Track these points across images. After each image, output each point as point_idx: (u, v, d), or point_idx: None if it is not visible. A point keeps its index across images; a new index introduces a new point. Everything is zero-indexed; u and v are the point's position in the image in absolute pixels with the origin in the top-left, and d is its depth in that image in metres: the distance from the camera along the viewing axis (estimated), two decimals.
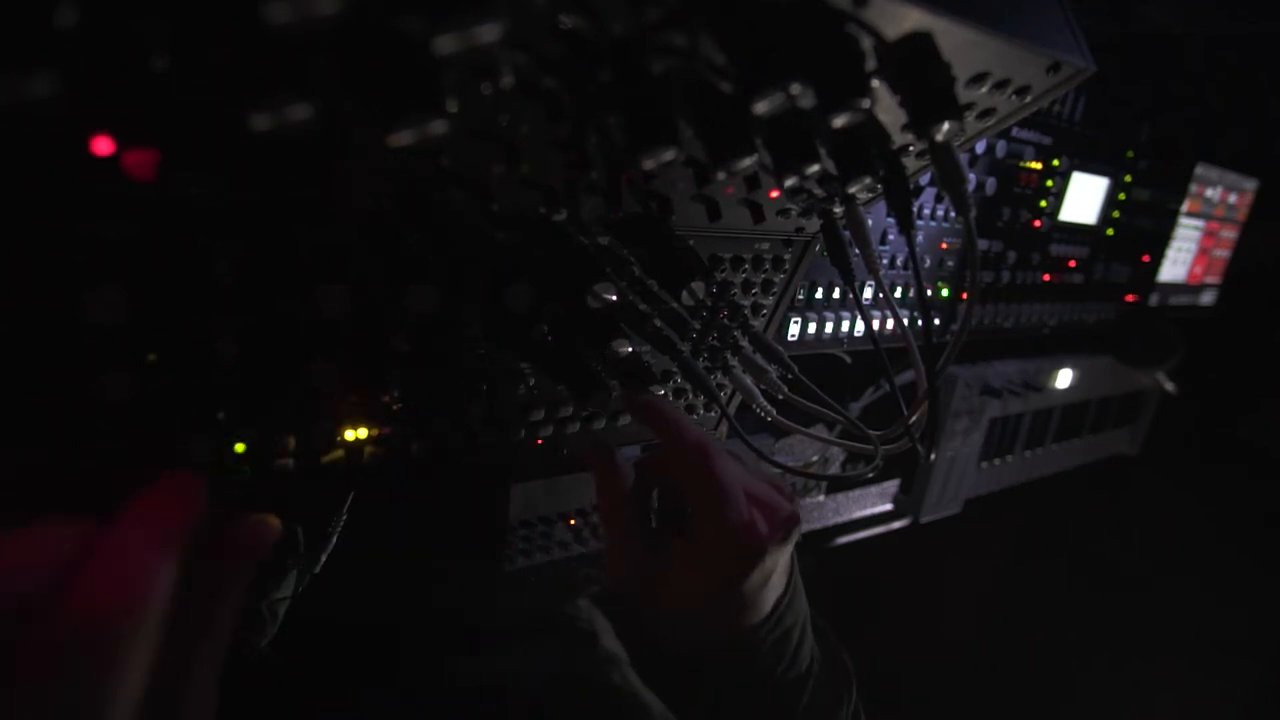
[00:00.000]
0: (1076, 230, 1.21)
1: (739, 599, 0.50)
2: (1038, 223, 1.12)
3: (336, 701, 0.57)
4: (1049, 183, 1.10)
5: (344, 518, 0.56)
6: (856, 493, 1.12)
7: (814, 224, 0.61)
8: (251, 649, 0.51)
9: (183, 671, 0.28)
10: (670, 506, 0.55)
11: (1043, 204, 1.11)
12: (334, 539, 0.55)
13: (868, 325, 0.62)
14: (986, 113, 0.48)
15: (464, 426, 0.52)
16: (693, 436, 0.50)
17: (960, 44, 0.38)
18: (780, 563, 0.51)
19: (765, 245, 0.63)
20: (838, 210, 0.57)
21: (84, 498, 0.34)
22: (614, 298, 0.47)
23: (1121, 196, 1.28)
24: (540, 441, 0.59)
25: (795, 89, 0.33)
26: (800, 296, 0.78)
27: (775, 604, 0.52)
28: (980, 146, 0.96)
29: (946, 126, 0.38)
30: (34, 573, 0.25)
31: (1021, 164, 1.04)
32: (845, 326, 0.83)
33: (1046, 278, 1.19)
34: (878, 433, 0.62)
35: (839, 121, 0.36)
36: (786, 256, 0.65)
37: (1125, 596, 1.87)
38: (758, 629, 0.51)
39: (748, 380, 0.62)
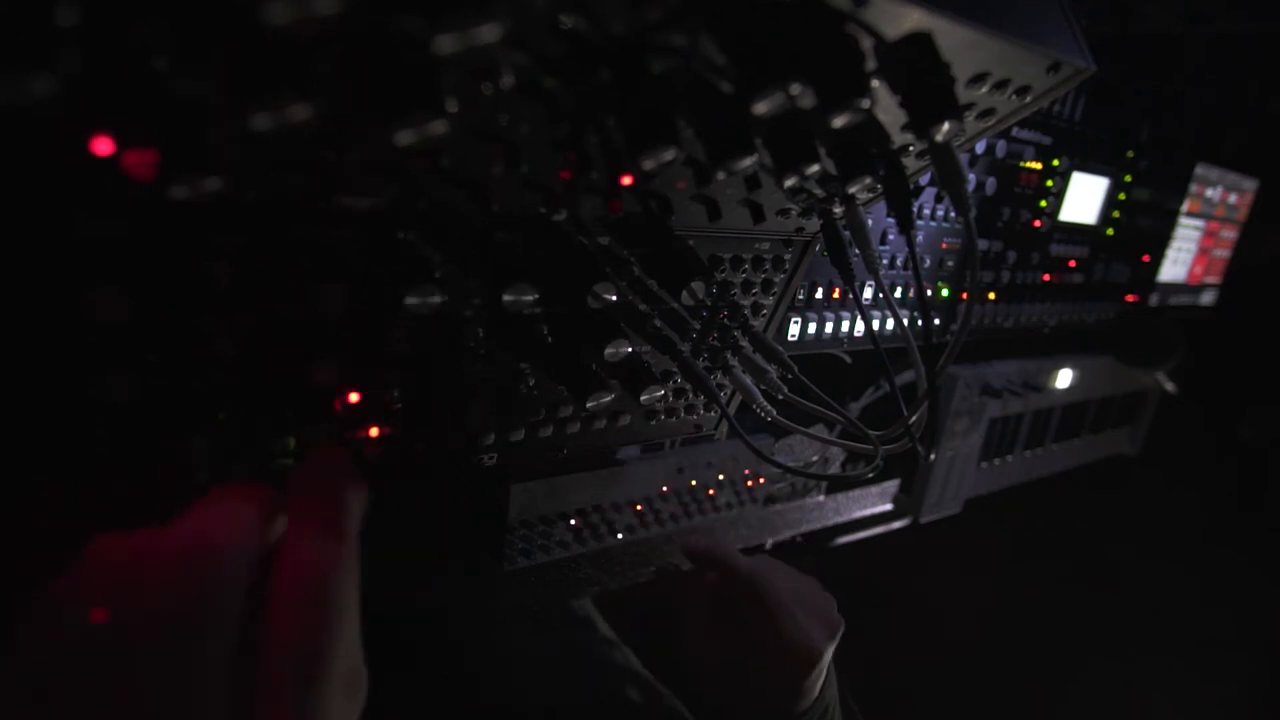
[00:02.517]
0: (1076, 230, 1.21)
1: (797, 692, 0.59)
2: (1038, 223, 1.12)
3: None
4: (1049, 183, 1.10)
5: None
6: (856, 493, 1.12)
7: (814, 224, 0.61)
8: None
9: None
10: (731, 614, 0.64)
11: (1043, 204, 1.11)
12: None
13: (868, 325, 0.62)
14: (986, 113, 0.48)
15: (464, 426, 0.52)
16: (750, 568, 0.61)
17: (960, 44, 0.38)
18: (828, 659, 0.61)
19: (765, 245, 0.63)
20: (838, 210, 0.57)
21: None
22: (614, 298, 0.47)
23: (1121, 196, 1.28)
24: (540, 441, 0.59)
25: (795, 89, 0.33)
26: (800, 296, 0.78)
27: (821, 689, 0.61)
28: (980, 146, 0.96)
29: (946, 126, 0.38)
30: (262, 527, 0.29)
31: (1021, 164, 1.04)
32: (845, 326, 0.83)
33: (1046, 278, 1.19)
34: (878, 433, 0.62)
35: (839, 121, 0.36)
36: (786, 256, 0.65)
37: (1124, 596, 1.87)
38: (808, 711, 0.60)
39: (748, 380, 0.62)
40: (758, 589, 0.59)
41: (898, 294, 0.90)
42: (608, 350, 0.50)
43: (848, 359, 0.97)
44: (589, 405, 0.51)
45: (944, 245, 0.95)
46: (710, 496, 0.88)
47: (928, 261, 0.95)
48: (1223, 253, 1.64)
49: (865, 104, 0.35)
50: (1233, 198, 1.57)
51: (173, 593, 0.26)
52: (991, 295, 1.09)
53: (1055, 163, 1.10)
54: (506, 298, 0.45)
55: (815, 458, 1.01)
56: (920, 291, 0.48)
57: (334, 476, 0.32)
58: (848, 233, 0.61)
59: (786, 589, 0.61)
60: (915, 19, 0.35)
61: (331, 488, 0.31)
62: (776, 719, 0.60)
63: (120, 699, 0.24)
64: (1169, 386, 1.60)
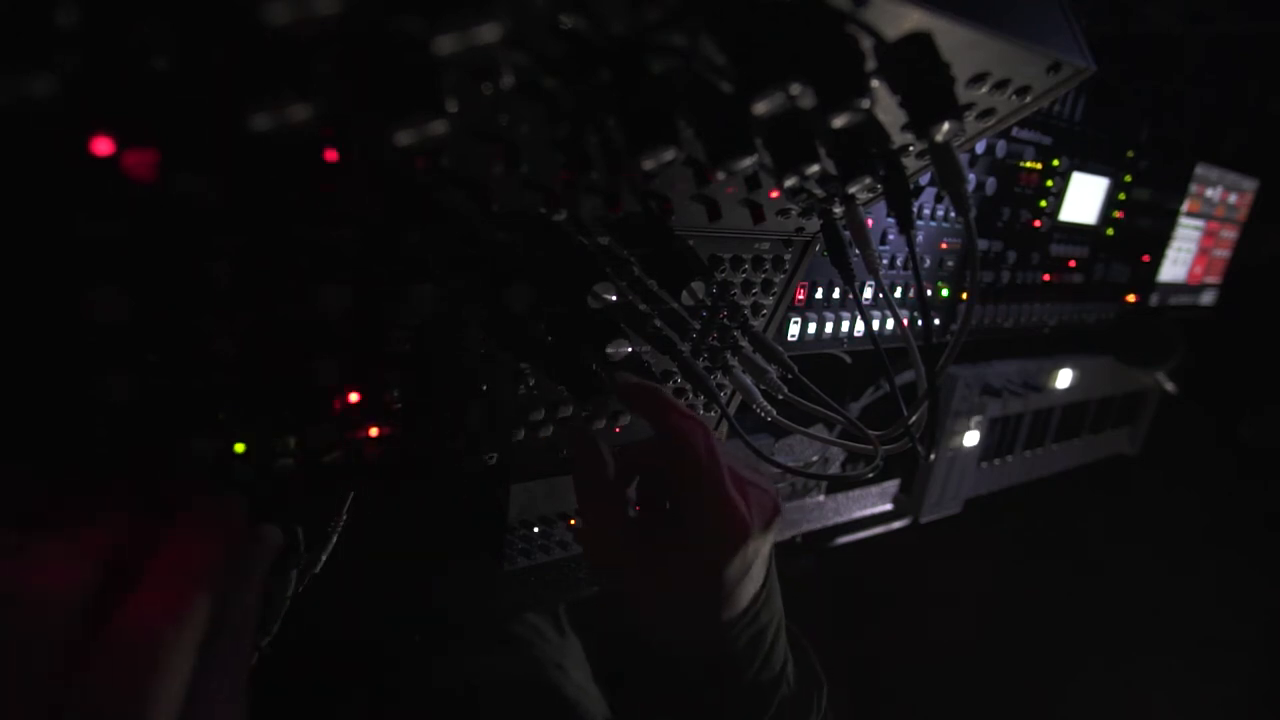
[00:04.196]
0: (1076, 230, 1.21)
1: (718, 585, 0.49)
2: (1038, 223, 1.12)
3: (336, 700, 0.57)
4: (1049, 183, 1.10)
5: (344, 518, 0.56)
6: (856, 493, 1.12)
7: (814, 224, 0.61)
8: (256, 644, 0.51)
9: (216, 670, 0.30)
10: (652, 493, 0.54)
11: (1043, 204, 1.11)
12: (334, 539, 0.55)
13: (868, 325, 0.63)
14: (986, 113, 0.48)
15: (464, 426, 0.52)
16: (679, 420, 0.50)
17: (960, 44, 0.38)
18: (761, 552, 0.51)
19: (765, 245, 0.63)
20: (838, 210, 0.57)
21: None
22: (614, 298, 0.47)
23: (1121, 196, 1.28)
24: (540, 441, 0.59)
25: (795, 89, 0.33)
26: (800, 296, 0.78)
27: (752, 599, 0.52)
28: (980, 146, 0.96)
29: (946, 126, 0.38)
30: (91, 574, 0.27)
31: (1021, 164, 1.04)
32: (845, 326, 0.83)
33: (1046, 278, 1.19)
34: (878, 433, 0.62)
35: (839, 121, 0.36)
36: (786, 256, 0.65)
37: (1124, 596, 1.87)
38: (733, 624, 0.51)
39: (748, 380, 0.62)
40: (686, 445, 0.48)
41: (898, 294, 0.90)
42: (608, 350, 0.50)
43: (848, 359, 0.97)
44: (589, 405, 0.51)
45: (944, 245, 0.95)
46: None
47: (928, 261, 0.95)
48: (1223, 253, 1.64)
49: (865, 104, 0.35)
50: (1233, 198, 1.57)
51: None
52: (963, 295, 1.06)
53: (1055, 163, 1.10)
54: (506, 298, 0.45)
55: (815, 458, 1.01)
56: (920, 291, 0.48)
57: (209, 528, 0.30)
58: (848, 233, 0.61)
59: (717, 455, 0.49)
60: (915, 19, 0.35)
61: (200, 543, 0.30)
62: (695, 618, 0.51)
63: None
64: (1169, 386, 1.60)
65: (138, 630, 0.27)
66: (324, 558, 0.55)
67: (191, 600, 0.28)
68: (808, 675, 0.59)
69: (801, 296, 0.78)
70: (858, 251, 0.60)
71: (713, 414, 0.71)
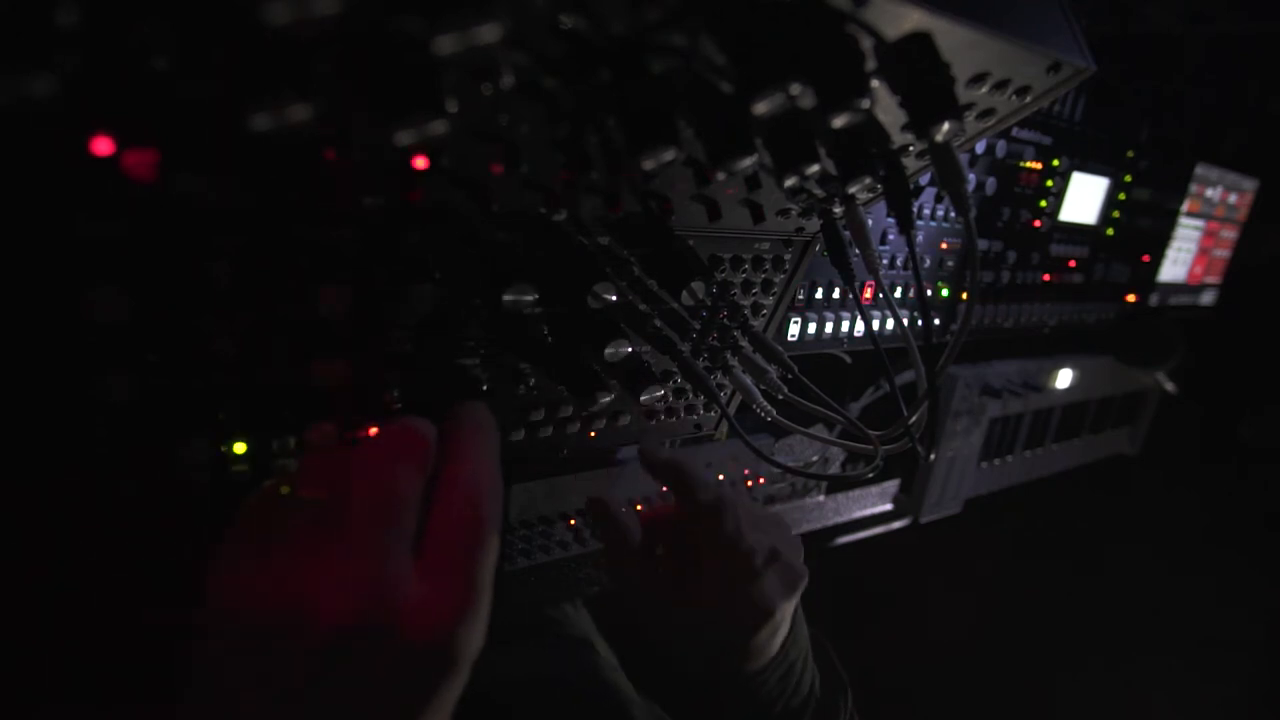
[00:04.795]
0: (1076, 230, 1.21)
1: (747, 649, 0.52)
2: (1038, 223, 1.12)
3: None
4: (1049, 183, 1.10)
5: None
6: (856, 493, 1.12)
7: (814, 224, 0.61)
8: None
9: None
10: (683, 552, 0.56)
11: (1043, 204, 1.11)
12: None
13: (868, 325, 0.62)
14: (986, 113, 0.48)
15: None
16: (708, 498, 0.52)
17: (960, 44, 0.38)
18: (789, 613, 0.54)
19: (765, 245, 0.63)
20: (838, 210, 0.57)
21: None
22: (614, 298, 0.47)
23: (1121, 196, 1.28)
24: (540, 441, 0.59)
25: (795, 89, 0.33)
26: (800, 296, 0.78)
27: (781, 646, 0.55)
28: (980, 146, 0.96)
29: (946, 126, 0.38)
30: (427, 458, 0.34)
31: (1021, 164, 1.04)
32: (845, 326, 0.83)
33: (1046, 278, 1.19)
34: (878, 433, 0.62)
35: (839, 121, 0.36)
36: (786, 256, 0.65)
37: (1124, 596, 1.87)
38: (763, 670, 0.54)
39: (748, 380, 0.62)
40: (713, 523, 0.51)
41: (898, 294, 0.90)
42: (608, 350, 0.50)
43: (848, 359, 0.97)
44: (589, 405, 0.51)
45: (944, 245, 0.95)
46: None
47: (928, 261, 0.95)
48: (1223, 253, 1.64)
49: (865, 104, 0.35)
50: (1233, 198, 1.57)
51: (380, 479, 0.32)
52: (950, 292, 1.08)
53: (1055, 163, 1.10)
54: (506, 298, 0.45)
55: (815, 458, 1.01)
56: (920, 291, 0.48)
57: (480, 419, 0.37)
58: (848, 233, 0.61)
59: (746, 529, 0.52)
60: (915, 19, 0.35)
61: (480, 424, 0.37)
62: (723, 675, 0.54)
63: (331, 561, 0.30)
64: (1169, 386, 1.60)
65: (473, 487, 0.34)
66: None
67: (496, 468, 0.36)
68: (832, 679, 0.62)
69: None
70: (858, 251, 0.60)
71: (713, 414, 0.71)
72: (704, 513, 0.52)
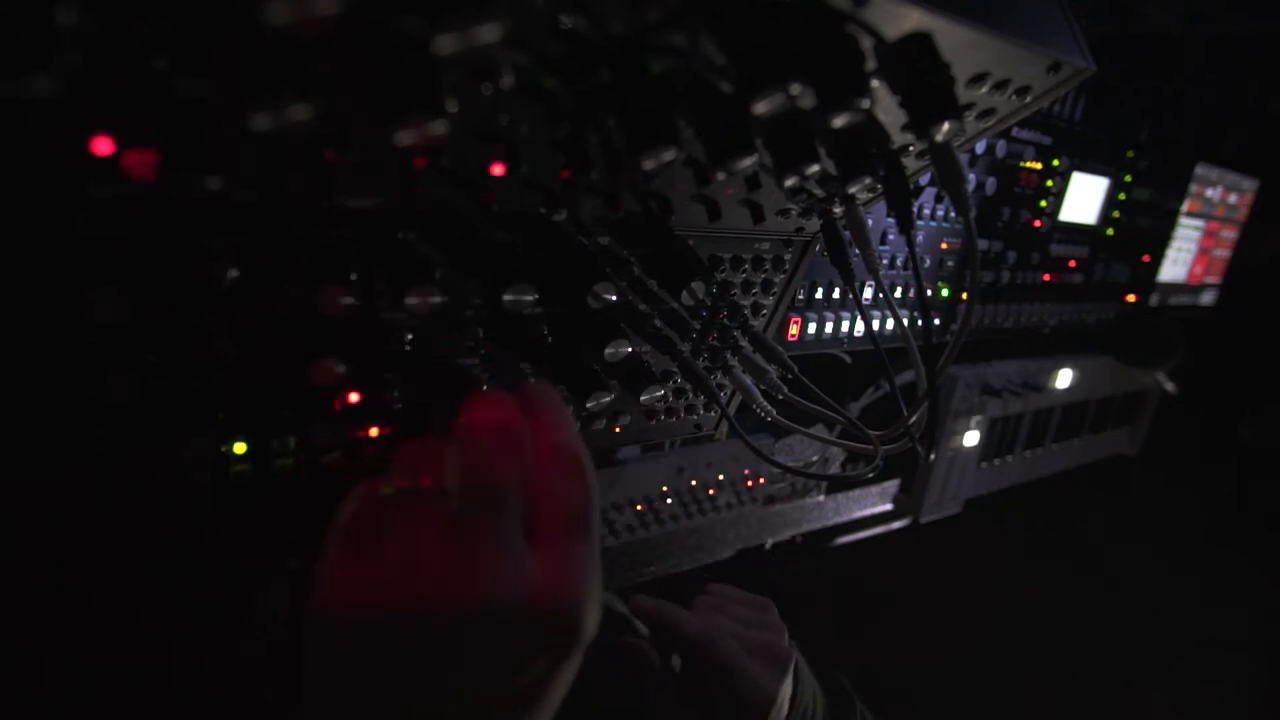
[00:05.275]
0: (1076, 230, 1.21)
1: None
2: (1038, 223, 1.12)
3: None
4: (1049, 183, 1.10)
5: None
6: (856, 493, 1.12)
7: (814, 224, 0.61)
8: (252, 652, 0.51)
9: None
10: (685, 669, 0.63)
11: (1043, 204, 1.11)
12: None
13: (868, 325, 0.62)
14: (986, 113, 0.48)
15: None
16: (693, 632, 0.61)
17: (960, 44, 0.38)
18: (786, 689, 0.61)
19: (765, 245, 0.63)
20: (838, 210, 0.57)
21: None
22: (614, 298, 0.47)
23: (1121, 196, 1.28)
24: None
25: (795, 89, 0.33)
26: (800, 296, 0.78)
27: (791, 701, 0.62)
28: (980, 146, 0.96)
29: (946, 126, 0.38)
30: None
31: (1021, 164, 1.04)
32: (845, 326, 0.83)
33: (1046, 278, 1.19)
34: (878, 433, 0.62)
35: (839, 121, 0.36)
36: (786, 256, 0.65)
37: (1124, 596, 1.87)
38: None
39: (748, 380, 0.62)
40: (707, 651, 0.60)
41: (898, 294, 0.90)
42: (608, 350, 0.50)
43: (848, 359, 0.97)
44: (589, 405, 0.51)
45: (944, 245, 0.95)
46: (710, 496, 0.88)
47: (928, 261, 0.95)
48: (1223, 253, 1.64)
49: (865, 104, 0.35)
50: (1233, 198, 1.57)
51: (486, 464, 0.33)
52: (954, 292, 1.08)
53: (1055, 163, 1.10)
54: (506, 298, 0.45)
55: (815, 458, 1.01)
56: (920, 291, 0.48)
57: (553, 395, 0.39)
58: (848, 233, 0.61)
59: (734, 641, 0.61)
60: (915, 19, 0.35)
61: (554, 400, 0.38)
62: None
63: (451, 548, 0.32)
64: (1169, 386, 1.60)
65: (570, 455, 0.36)
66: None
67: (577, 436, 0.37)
68: (843, 705, 0.67)
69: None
70: (858, 251, 0.60)
71: (713, 414, 0.71)
72: (694, 647, 0.60)
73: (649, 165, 0.36)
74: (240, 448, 0.42)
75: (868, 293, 0.85)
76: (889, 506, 1.19)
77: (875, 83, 0.38)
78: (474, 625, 0.31)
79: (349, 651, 0.32)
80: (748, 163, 0.37)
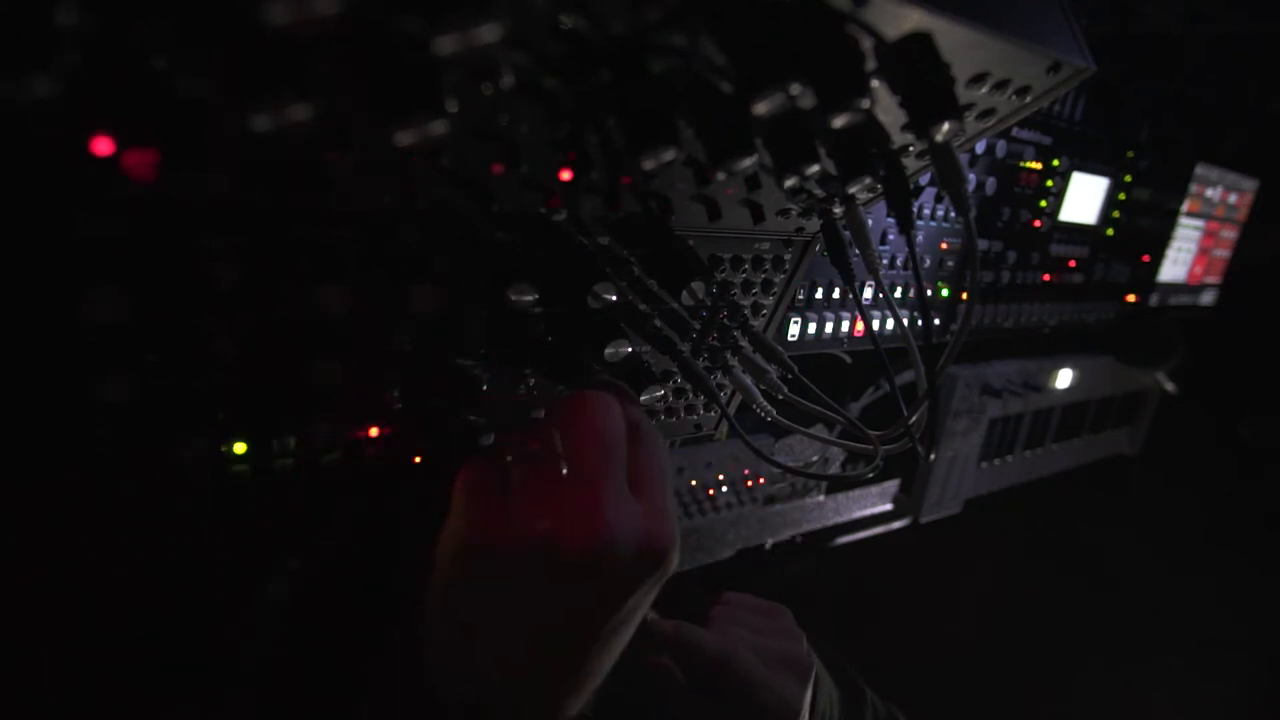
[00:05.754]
0: (1076, 230, 1.21)
1: None
2: (1038, 223, 1.12)
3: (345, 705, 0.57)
4: (1049, 183, 1.10)
5: (343, 519, 0.56)
6: (856, 493, 1.12)
7: (814, 224, 0.61)
8: (252, 652, 0.51)
9: None
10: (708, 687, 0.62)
11: (1043, 204, 1.11)
12: (333, 540, 0.55)
13: (868, 325, 0.62)
14: (986, 113, 0.48)
15: (464, 427, 0.52)
16: (713, 651, 0.60)
17: (960, 44, 0.38)
18: (808, 697, 0.61)
19: (765, 245, 0.63)
20: (838, 210, 0.57)
21: None
22: (614, 298, 0.47)
23: (1121, 196, 1.28)
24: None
25: (795, 89, 0.33)
26: (800, 296, 0.78)
27: (811, 707, 0.61)
28: (980, 146, 0.96)
29: (946, 127, 0.38)
30: None
31: (1021, 164, 1.04)
32: (845, 326, 0.83)
33: (1046, 278, 1.19)
34: (878, 433, 0.62)
35: (839, 122, 0.36)
36: (786, 256, 0.65)
37: (1124, 596, 1.87)
38: None
39: (748, 380, 0.62)
40: (728, 668, 0.60)
41: (898, 294, 0.90)
42: (608, 350, 0.50)
43: (848, 359, 0.97)
44: None
45: (944, 245, 0.95)
46: (710, 496, 0.88)
47: (928, 261, 0.95)
48: (1223, 253, 1.64)
49: (865, 104, 0.35)
50: (1233, 198, 1.57)
51: (599, 425, 0.38)
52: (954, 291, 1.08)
53: (1055, 163, 1.10)
54: (506, 298, 0.45)
55: (815, 458, 1.01)
56: (920, 291, 0.48)
57: (623, 387, 0.44)
58: (848, 233, 0.61)
59: (752, 654, 0.61)
60: (915, 19, 0.35)
61: (626, 391, 0.44)
62: None
63: (576, 498, 0.37)
64: (1169, 386, 1.60)
65: (649, 441, 0.41)
66: (324, 559, 0.55)
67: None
68: (858, 702, 0.67)
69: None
70: (858, 251, 0.60)
71: (713, 414, 0.71)
72: (713, 665, 0.59)
73: (649, 165, 0.36)
74: (240, 448, 0.42)
75: (868, 293, 0.85)
76: (889, 506, 1.19)
77: (875, 83, 0.38)
78: (601, 557, 0.36)
79: (493, 586, 0.38)
80: (748, 163, 0.37)
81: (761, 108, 0.33)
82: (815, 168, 0.40)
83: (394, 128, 0.28)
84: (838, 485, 1.08)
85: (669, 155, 0.36)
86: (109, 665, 0.46)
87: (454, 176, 0.40)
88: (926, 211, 0.90)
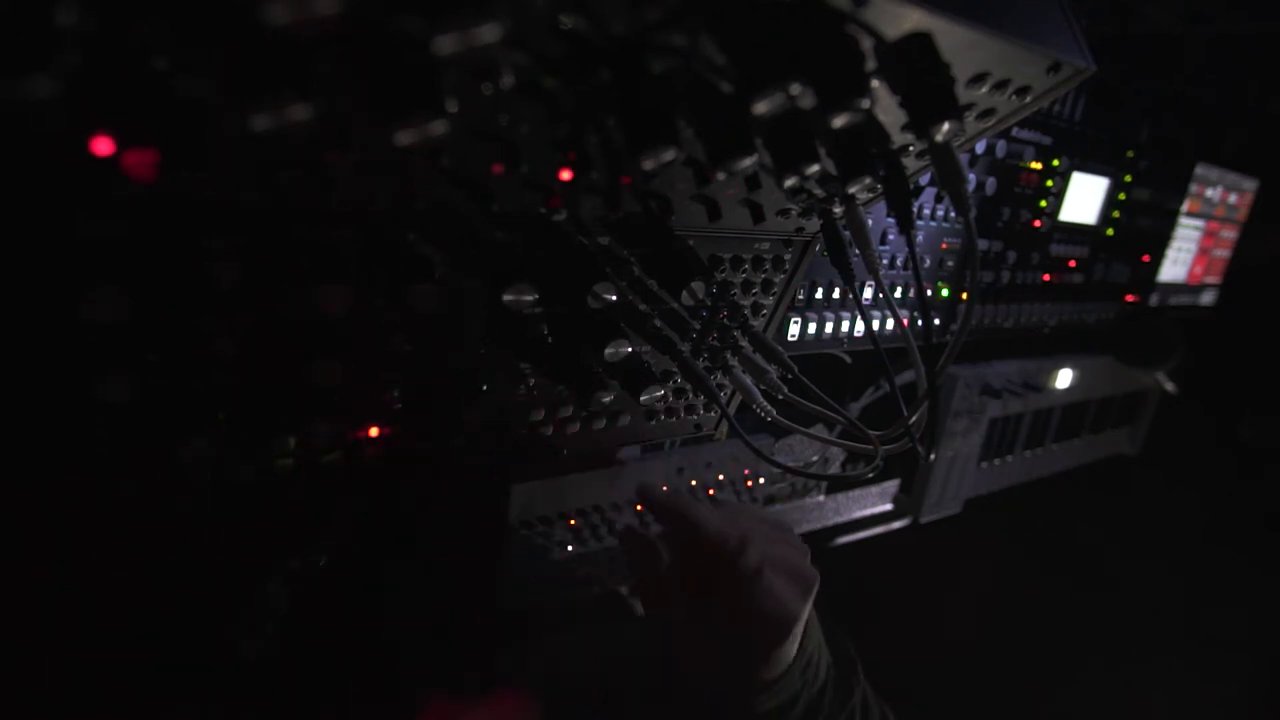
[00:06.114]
0: (1076, 230, 1.21)
1: (769, 660, 0.55)
2: (1038, 223, 1.12)
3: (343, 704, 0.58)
4: (1049, 183, 1.10)
5: (343, 519, 0.56)
6: (856, 493, 1.12)
7: (814, 224, 0.61)
8: (252, 651, 0.51)
9: None
10: (700, 581, 0.58)
11: (1043, 204, 1.11)
12: (333, 540, 0.55)
13: (868, 325, 0.62)
14: (986, 113, 0.48)
15: (464, 426, 0.52)
16: (712, 531, 0.55)
17: (960, 44, 0.38)
18: (804, 619, 0.57)
19: (765, 245, 0.63)
20: (838, 210, 0.57)
21: None
22: (614, 298, 0.47)
23: (1121, 196, 1.28)
24: (540, 441, 0.59)
25: (795, 89, 0.33)
26: (800, 296, 0.78)
27: (797, 654, 0.57)
28: (980, 146, 0.96)
29: (946, 126, 0.38)
30: None
31: (1021, 164, 1.04)
32: (845, 326, 0.83)
33: (1046, 278, 1.19)
34: (878, 433, 0.62)
35: (839, 121, 0.36)
36: (786, 256, 0.65)
37: (1124, 596, 1.87)
38: (786, 673, 0.57)
39: (748, 380, 0.62)
40: (727, 556, 0.54)
41: (898, 294, 0.90)
42: (608, 350, 0.50)
43: (848, 359, 0.96)
44: (589, 405, 0.51)
45: (944, 245, 0.95)
46: (710, 496, 0.88)
47: (928, 261, 0.95)
48: (1223, 253, 1.64)
49: (865, 104, 0.35)
50: (1233, 198, 1.57)
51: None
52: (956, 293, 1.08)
53: (1055, 163, 1.10)
54: (506, 298, 0.45)
55: (815, 458, 1.01)
56: (920, 291, 0.48)
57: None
58: (848, 233, 0.61)
59: (756, 548, 0.54)
60: (915, 19, 0.35)
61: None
62: (747, 688, 0.56)
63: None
64: (1169, 386, 1.60)
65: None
66: (323, 559, 0.55)
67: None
68: (847, 665, 0.64)
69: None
70: (858, 251, 0.60)
71: (713, 414, 0.71)
72: (712, 547, 0.54)
73: (649, 165, 0.36)
74: (240, 448, 0.42)
75: (868, 293, 0.85)
76: (889, 506, 1.19)
77: (875, 83, 0.38)
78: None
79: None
80: (748, 163, 0.37)
81: (761, 108, 0.33)
82: (815, 168, 0.40)
83: (394, 128, 0.28)
84: (838, 485, 1.08)
85: (669, 155, 0.36)
86: (109, 665, 0.46)
87: (454, 176, 0.40)
88: (926, 211, 0.90)
